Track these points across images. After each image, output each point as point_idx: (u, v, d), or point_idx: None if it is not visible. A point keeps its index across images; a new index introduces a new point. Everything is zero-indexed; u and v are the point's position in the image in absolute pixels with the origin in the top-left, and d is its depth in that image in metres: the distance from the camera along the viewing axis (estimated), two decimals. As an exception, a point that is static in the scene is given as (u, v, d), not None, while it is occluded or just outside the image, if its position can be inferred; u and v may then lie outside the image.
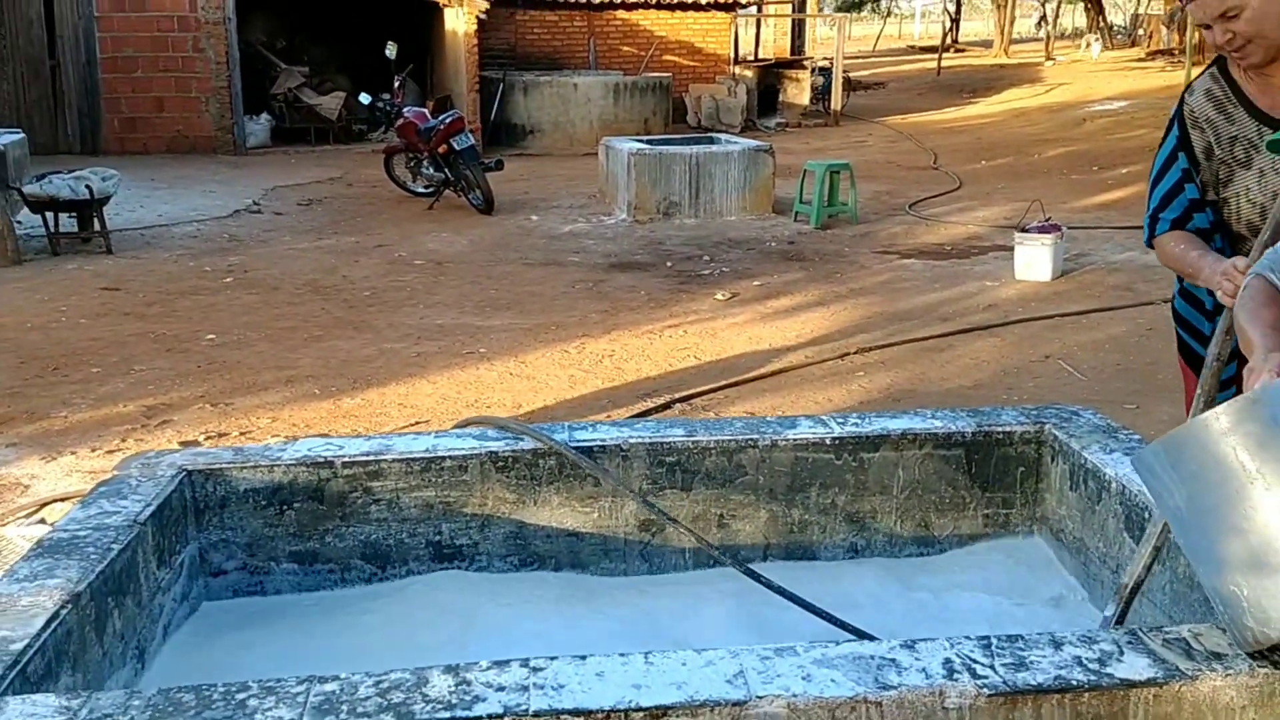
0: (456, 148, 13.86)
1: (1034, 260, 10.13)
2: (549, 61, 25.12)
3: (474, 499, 3.84)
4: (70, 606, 2.73)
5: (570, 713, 2.29)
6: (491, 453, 3.78)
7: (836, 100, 27.27)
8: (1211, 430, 2.22)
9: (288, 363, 7.64)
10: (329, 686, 2.35)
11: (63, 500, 5.16)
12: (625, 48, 25.96)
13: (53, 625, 2.65)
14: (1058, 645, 2.44)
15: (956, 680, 2.32)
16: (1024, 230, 10.39)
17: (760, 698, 2.30)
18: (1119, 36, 44.20)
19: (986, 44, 48.27)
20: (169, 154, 19.09)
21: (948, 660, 2.39)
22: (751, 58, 29.84)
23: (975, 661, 2.39)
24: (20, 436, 6.13)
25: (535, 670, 2.41)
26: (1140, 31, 41.61)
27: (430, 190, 14.90)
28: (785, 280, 10.46)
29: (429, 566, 3.83)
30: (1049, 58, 38.29)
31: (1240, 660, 2.36)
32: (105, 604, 2.94)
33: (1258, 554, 2.20)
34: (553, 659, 2.45)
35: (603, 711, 2.30)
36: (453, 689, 2.35)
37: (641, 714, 2.30)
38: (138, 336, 8.26)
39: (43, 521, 5.01)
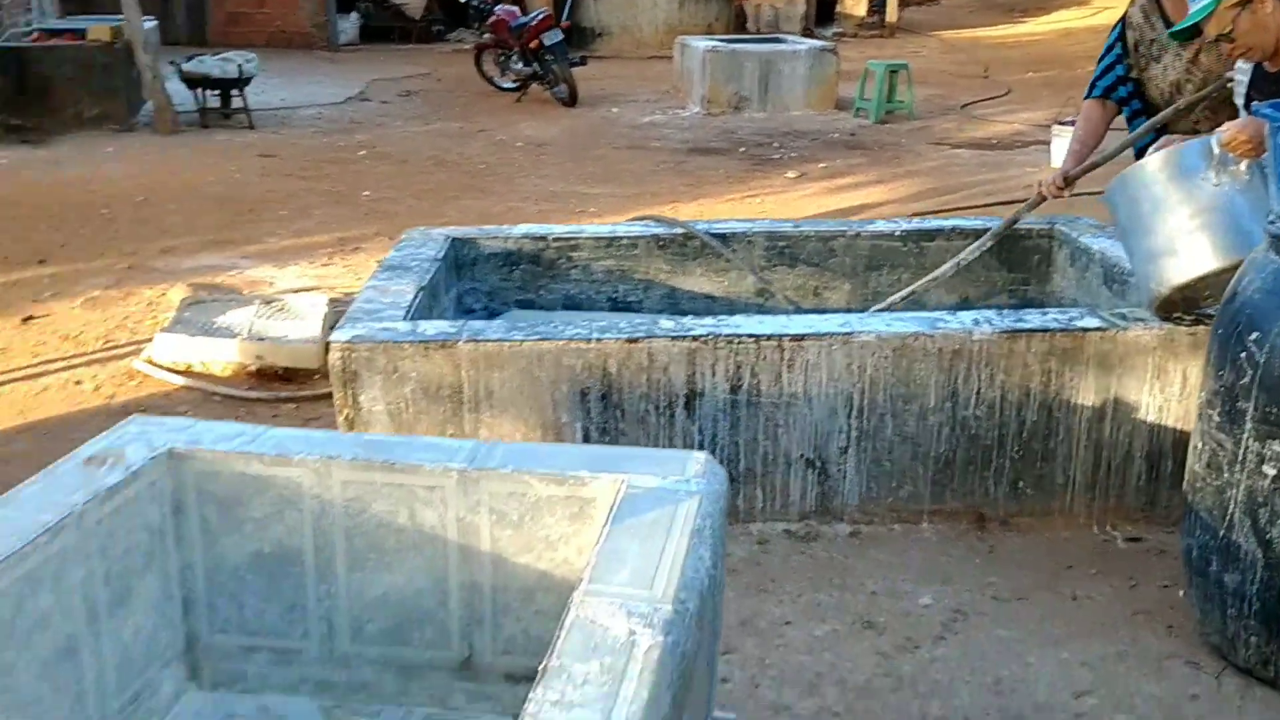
0: (546, 43, 15.20)
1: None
2: (617, -33, 26.16)
3: (640, 268, 5.40)
4: (421, 292, 4.35)
5: (745, 335, 3.89)
6: (654, 235, 5.34)
7: (892, 12, 28.11)
8: (1145, 170, 3.73)
9: (437, 213, 9.21)
10: (602, 322, 3.95)
11: (308, 290, 6.81)
12: (690, -45, 26.88)
13: (416, 297, 4.26)
14: (1044, 313, 4.00)
15: (979, 325, 3.88)
16: (1060, 123, 11.68)
17: (859, 332, 3.87)
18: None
19: (1043, -40, 48.18)
20: (269, 48, 20.55)
21: (975, 318, 3.96)
22: (811, -32, 30.62)
23: (991, 320, 3.95)
24: (247, 254, 7.78)
25: (721, 320, 4.01)
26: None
27: (517, 85, 16.25)
28: (848, 164, 11.85)
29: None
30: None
31: (1154, 322, 3.91)
32: (428, 298, 4.55)
33: (1162, 247, 3.72)
34: (732, 315, 4.05)
35: (763, 336, 3.89)
36: (675, 326, 3.95)
37: (787, 338, 3.89)
38: (305, 191, 9.86)
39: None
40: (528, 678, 3.06)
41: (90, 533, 2.65)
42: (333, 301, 6.69)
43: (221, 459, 2.96)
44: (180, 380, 5.88)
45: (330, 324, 6.33)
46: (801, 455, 4.38)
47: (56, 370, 6.10)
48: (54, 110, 12.21)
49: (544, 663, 2.08)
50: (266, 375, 5.96)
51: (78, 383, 5.94)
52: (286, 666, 3.15)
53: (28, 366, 6.16)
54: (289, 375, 5.94)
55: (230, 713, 3.11)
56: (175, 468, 2.96)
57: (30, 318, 6.88)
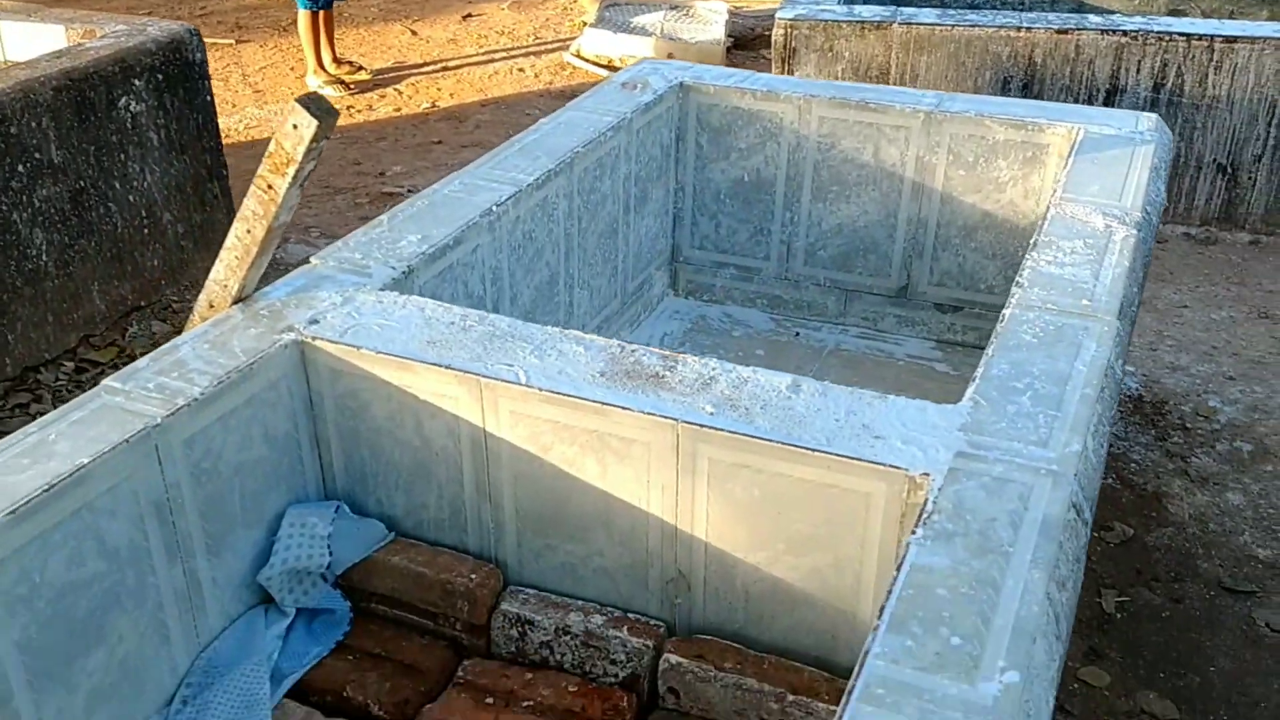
0: None
1: None
2: None
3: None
4: None
5: (1176, 34, 3.98)
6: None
7: None
8: None
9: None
10: (1031, 13, 4.13)
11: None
12: None
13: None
14: None
15: None
16: None
17: None
18: None
19: None
20: None
21: None
22: None
23: None
24: None
25: (1152, 18, 4.09)
26: None
27: None
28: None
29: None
30: None
31: None
32: None
33: None
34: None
35: (1194, 35, 3.96)
36: (1104, 20, 4.08)
37: (1219, 39, 3.95)
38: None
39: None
40: (955, 308, 3.58)
41: (633, 137, 3.32)
42: (731, 12, 7.13)
43: (720, 92, 3.54)
44: (603, 72, 6.56)
45: (729, 30, 6.88)
46: (1214, 160, 4.50)
47: (500, 59, 6.95)
48: None
49: (1034, 237, 2.54)
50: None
51: (520, 70, 6.77)
52: (747, 282, 3.80)
53: (478, 54, 7.04)
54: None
55: (701, 314, 3.82)
56: (683, 98, 3.56)
57: (469, 15, 7.76)
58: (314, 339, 2.16)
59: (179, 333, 4.07)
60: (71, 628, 1.77)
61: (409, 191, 5.24)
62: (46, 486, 1.71)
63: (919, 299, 3.62)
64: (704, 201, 3.75)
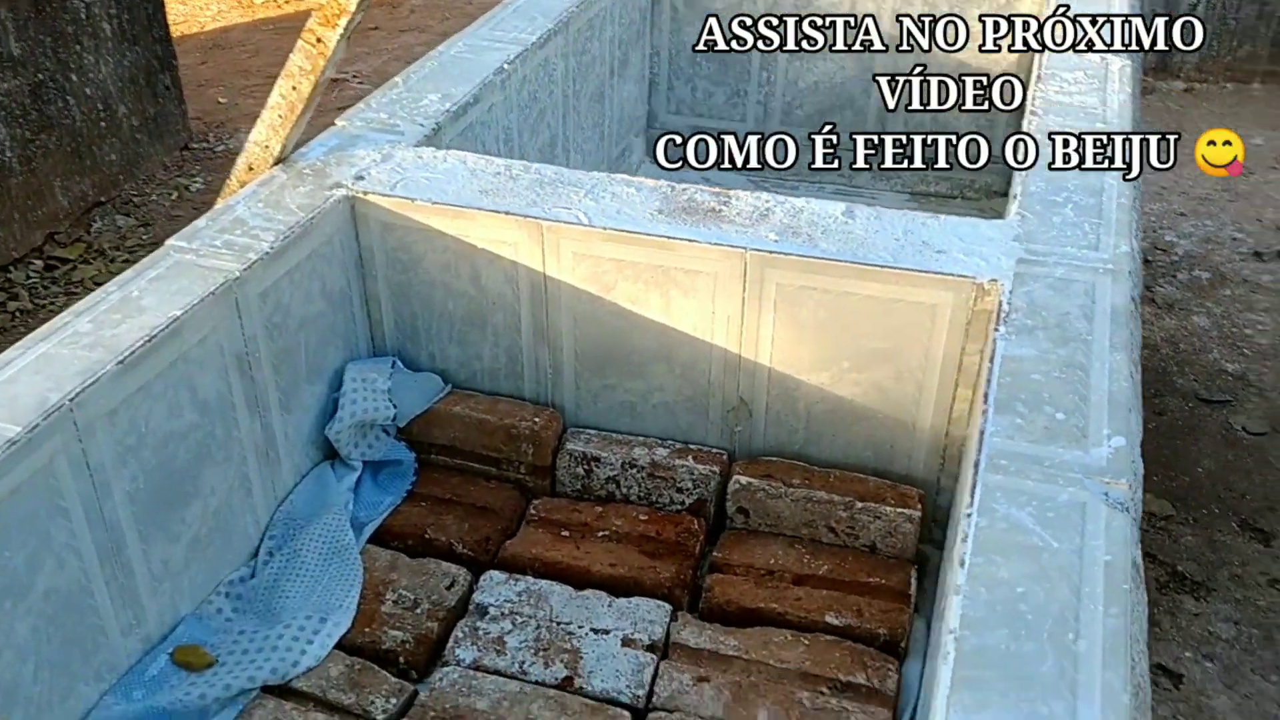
0: None
1: None
2: None
3: None
4: None
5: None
6: None
7: None
8: None
9: None
10: None
11: None
12: None
13: None
14: None
15: None
16: None
17: None
18: None
19: None
20: None
21: None
22: None
23: None
24: None
25: None
26: None
27: None
28: None
29: None
30: None
31: None
32: None
33: None
34: None
35: None
36: None
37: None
38: None
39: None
40: (928, 160, 3.69)
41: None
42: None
43: (697, -47, 3.54)
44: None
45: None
46: (1152, 10, 4.65)
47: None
48: None
49: (1035, 72, 2.64)
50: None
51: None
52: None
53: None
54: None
55: (681, 179, 3.86)
56: (660, -41, 3.56)
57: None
58: (365, 194, 2.16)
59: (145, 226, 4.00)
60: (172, 478, 1.79)
61: (353, 78, 5.12)
62: (147, 338, 1.71)
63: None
64: (679, 66, 3.76)
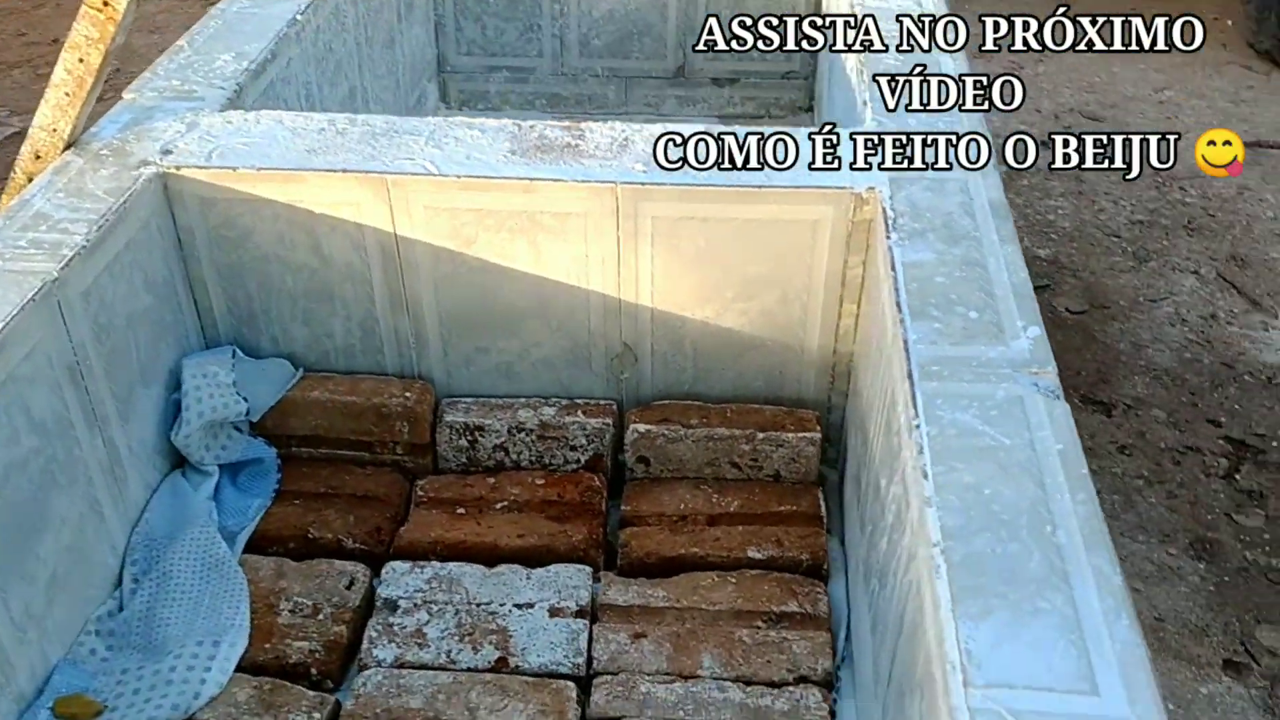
0: None
1: None
2: None
3: None
4: None
5: None
6: None
7: None
8: None
9: None
10: None
11: None
12: None
13: None
14: None
15: None
16: None
17: None
18: None
19: None
20: None
21: None
22: None
23: None
24: None
25: None
26: None
27: None
28: None
29: None
30: None
31: None
32: None
33: None
34: None
35: None
36: None
37: None
38: None
39: None
40: (731, 80, 3.67)
41: (398, -65, 3.09)
42: None
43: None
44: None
45: None
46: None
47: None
48: None
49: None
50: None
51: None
52: (522, 84, 3.70)
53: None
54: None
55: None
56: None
57: None
58: (177, 169, 1.92)
59: None
60: (18, 514, 1.55)
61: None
62: (-33, 361, 1.46)
63: (697, 76, 3.67)
64: (465, 4, 3.57)
